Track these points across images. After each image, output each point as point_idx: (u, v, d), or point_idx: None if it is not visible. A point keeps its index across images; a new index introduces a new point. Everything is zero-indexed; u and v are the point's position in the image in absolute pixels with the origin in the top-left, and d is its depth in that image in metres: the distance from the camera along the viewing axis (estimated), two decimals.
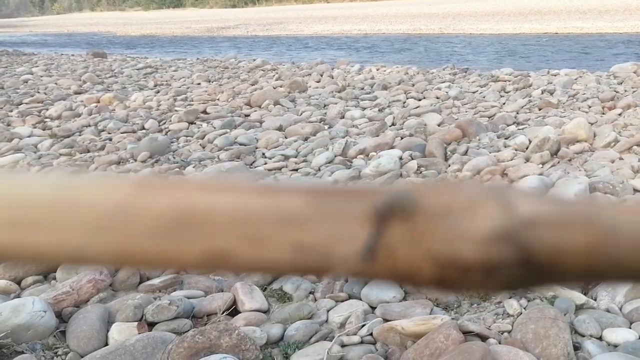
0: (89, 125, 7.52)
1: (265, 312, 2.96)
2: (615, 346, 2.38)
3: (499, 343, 2.41)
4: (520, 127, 6.76)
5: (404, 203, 0.22)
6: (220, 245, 0.25)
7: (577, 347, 2.38)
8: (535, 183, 4.07)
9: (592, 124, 6.43)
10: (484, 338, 2.45)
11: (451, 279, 0.22)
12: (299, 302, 3.00)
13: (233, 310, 2.95)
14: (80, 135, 7.09)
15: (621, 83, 8.95)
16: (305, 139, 6.37)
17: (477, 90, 9.16)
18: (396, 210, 0.21)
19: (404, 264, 0.22)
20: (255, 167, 5.45)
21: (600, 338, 2.45)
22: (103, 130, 7.29)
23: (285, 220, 0.24)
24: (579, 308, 2.68)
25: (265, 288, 3.16)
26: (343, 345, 2.59)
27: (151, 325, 2.81)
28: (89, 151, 6.34)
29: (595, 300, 2.79)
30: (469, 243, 0.21)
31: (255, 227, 0.25)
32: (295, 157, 5.64)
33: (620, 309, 2.70)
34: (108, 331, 2.79)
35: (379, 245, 0.22)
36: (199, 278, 3.31)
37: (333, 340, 2.56)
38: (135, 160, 5.92)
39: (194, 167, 5.56)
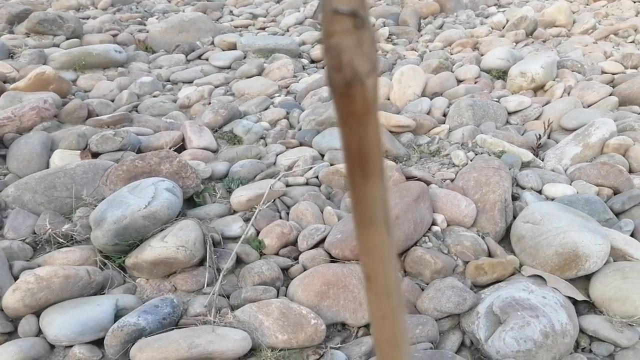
0: None
1: (213, 151, 2.91)
2: (553, 199, 2.41)
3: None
4: (501, 9, 6.55)
5: (367, 18, 0.27)
6: None
7: (516, 198, 2.40)
8: (504, 55, 3.97)
9: (574, 12, 6.25)
10: (427, 184, 2.45)
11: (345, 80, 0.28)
12: (249, 145, 2.95)
13: (181, 147, 2.89)
14: None
15: None
16: (278, 1, 6.08)
17: None
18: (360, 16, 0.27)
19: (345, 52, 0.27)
20: (221, 23, 5.20)
21: (540, 192, 2.48)
22: None
23: None
24: (525, 165, 2.70)
25: (216, 130, 3.09)
26: (288, 185, 2.58)
27: (95, 155, 2.75)
28: None
29: (542, 160, 2.81)
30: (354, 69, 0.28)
31: None
32: (265, 16, 5.39)
33: (566, 170, 2.73)
34: (50, 157, 2.73)
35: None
36: (150, 118, 3.22)
37: (277, 178, 2.54)
38: (96, 8, 5.60)
39: (156, 18, 5.29)
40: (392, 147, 2.90)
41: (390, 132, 3.05)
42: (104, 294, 1.99)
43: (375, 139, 0.30)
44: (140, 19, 5.25)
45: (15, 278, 1.98)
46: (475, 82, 3.81)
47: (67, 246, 2.16)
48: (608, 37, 5.48)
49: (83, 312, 1.81)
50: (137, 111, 3.42)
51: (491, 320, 1.82)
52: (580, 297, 1.92)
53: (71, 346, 1.75)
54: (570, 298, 1.90)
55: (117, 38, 4.67)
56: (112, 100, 3.53)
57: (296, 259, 2.13)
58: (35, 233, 2.23)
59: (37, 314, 1.84)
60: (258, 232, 2.24)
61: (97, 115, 3.22)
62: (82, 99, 3.40)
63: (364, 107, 0.28)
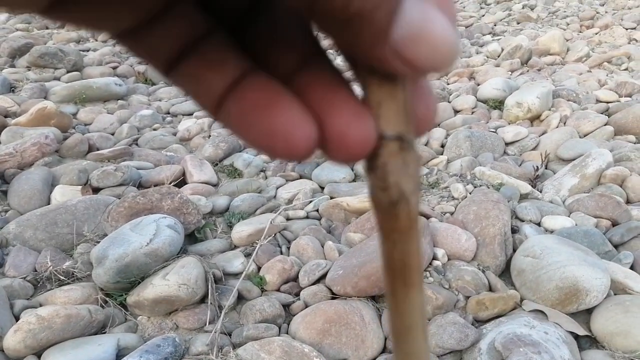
0: None
1: (214, 185, 2.93)
2: (552, 231, 2.43)
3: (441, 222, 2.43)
4: (496, 37, 6.65)
5: (412, 140, 0.28)
6: None
7: (515, 230, 2.42)
8: (500, 85, 4.02)
9: (567, 40, 6.35)
10: (427, 218, 2.47)
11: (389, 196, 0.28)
12: (249, 178, 2.97)
13: (181, 182, 2.91)
14: None
15: (603, 4, 8.78)
16: None
17: (457, 1, 8.91)
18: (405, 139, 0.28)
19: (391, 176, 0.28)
20: None
21: (539, 224, 2.49)
22: None
23: None
24: (524, 197, 2.72)
25: (217, 164, 3.12)
26: (288, 219, 2.60)
27: (96, 191, 2.77)
28: (47, 28, 6.03)
29: (540, 192, 2.83)
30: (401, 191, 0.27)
31: None
32: None
33: (564, 202, 2.75)
34: (51, 193, 2.74)
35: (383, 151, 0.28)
36: (150, 151, 3.24)
37: (277, 212, 2.56)
38: (96, 40, 5.67)
39: None
40: None
41: None
42: (105, 332, 1.98)
43: (416, 251, 0.31)
44: None
45: (16, 317, 1.98)
46: (472, 113, 3.85)
47: (68, 283, 2.16)
48: (602, 65, 5.56)
49: (84, 353, 1.80)
50: (137, 144, 3.44)
51: (493, 356, 1.82)
52: (582, 332, 1.92)
53: None
54: (572, 333, 1.91)
55: (117, 70, 4.72)
56: (112, 134, 3.55)
57: (297, 294, 2.13)
58: (36, 270, 2.23)
59: (38, 354, 1.83)
60: (259, 268, 2.24)
61: (98, 150, 3.25)
62: (82, 133, 3.43)
63: (408, 223, 0.30)
